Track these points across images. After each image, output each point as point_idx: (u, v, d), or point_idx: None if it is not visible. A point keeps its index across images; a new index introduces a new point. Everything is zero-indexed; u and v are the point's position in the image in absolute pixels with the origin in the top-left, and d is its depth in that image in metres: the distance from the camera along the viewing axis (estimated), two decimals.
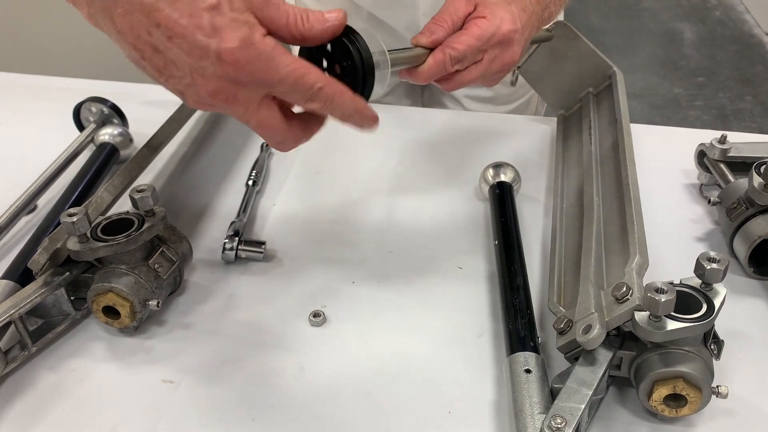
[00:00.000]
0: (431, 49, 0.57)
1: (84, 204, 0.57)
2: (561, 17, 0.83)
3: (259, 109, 0.44)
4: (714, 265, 0.48)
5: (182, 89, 0.43)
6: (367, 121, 0.48)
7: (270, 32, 0.43)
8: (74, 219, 0.52)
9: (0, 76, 1.00)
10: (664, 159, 0.80)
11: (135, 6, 0.40)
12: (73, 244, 0.53)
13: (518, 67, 0.82)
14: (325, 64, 0.49)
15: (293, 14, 0.43)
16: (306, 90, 0.43)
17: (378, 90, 0.50)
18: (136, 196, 0.55)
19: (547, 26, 0.76)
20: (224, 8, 0.40)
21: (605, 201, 0.62)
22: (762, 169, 0.61)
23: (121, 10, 0.40)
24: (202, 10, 0.40)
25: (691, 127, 2.38)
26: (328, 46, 0.48)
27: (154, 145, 0.66)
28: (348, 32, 0.47)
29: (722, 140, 0.71)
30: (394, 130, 0.86)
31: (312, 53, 0.48)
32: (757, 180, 0.61)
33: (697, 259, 0.49)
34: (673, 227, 0.70)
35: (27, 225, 0.70)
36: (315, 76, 0.43)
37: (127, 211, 0.57)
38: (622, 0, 3.38)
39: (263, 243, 0.64)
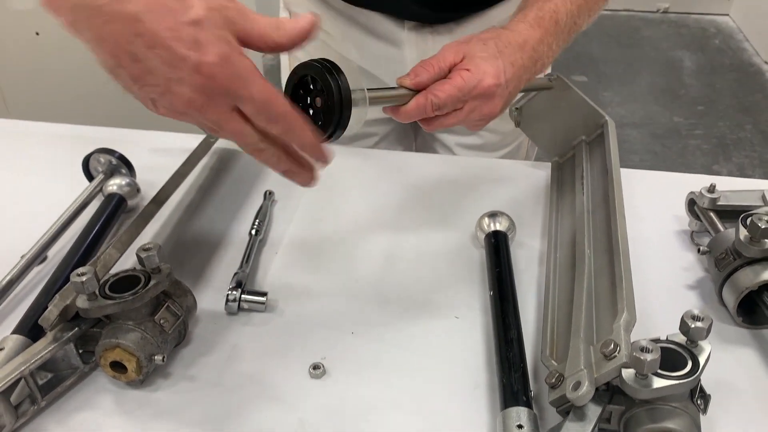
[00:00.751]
0: (414, 91, 0.60)
1: (92, 261, 0.59)
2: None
3: (230, 118, 0.46)
4: (698, 324, 0.50)
5: (155, 97, 0.46)
6: (320, 157, 0.52)
7: (248, 44, 0.46)
8: (83, 279, 0.54)
9: (13, 124, 1.03)
10: (656, 205, 0.82)
11: (117, 16, 0.42)
12: (82, 302, 0.55)
13: (517, 108, 0.84)
14: (309, 99, 0.53)
15: (266, 24, 0.47)
16: (271, 113, 0.47)
17: (354, 126, 0.54)
18: (143, 254, 0.57)
19: (548, 75, 0.79)
20: (206, 24, 0.43)
21: (596, 253, 0.64)
22: (748, 221, 0.63)
23: (103, 19, 0.43)
24: (183, 23, 0.42)
25: (692, 156, 2.42)
26: (311, 82, 0.52)
27: (160, 200, 0.68)
28: (332, 69, 0.51)
29: (711, 189, 0.74)
30: (392, 176, 0.88)
31: (297, 87, 0.53)
32: (743, 232, 0.63)
33: (682, 317, 0.51)
34: (665, 275, 0.72)
35: (37, 276, 0.72)
36: (282, 101, 0.47)
37: (134, 268, 0.59)
38: (622, 29, 3.43)
39: (265, 294, 0.66)
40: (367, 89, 0.56)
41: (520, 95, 0.79)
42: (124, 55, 0.43)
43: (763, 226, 0.61)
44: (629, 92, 2.87)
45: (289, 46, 0.48)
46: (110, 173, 0.83)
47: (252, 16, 0.47)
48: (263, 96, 0.45)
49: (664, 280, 0.71)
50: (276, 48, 0.48)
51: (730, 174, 2.36)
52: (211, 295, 0.69)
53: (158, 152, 0.93)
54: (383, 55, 0.86)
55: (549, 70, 0.86)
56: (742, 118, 2.69)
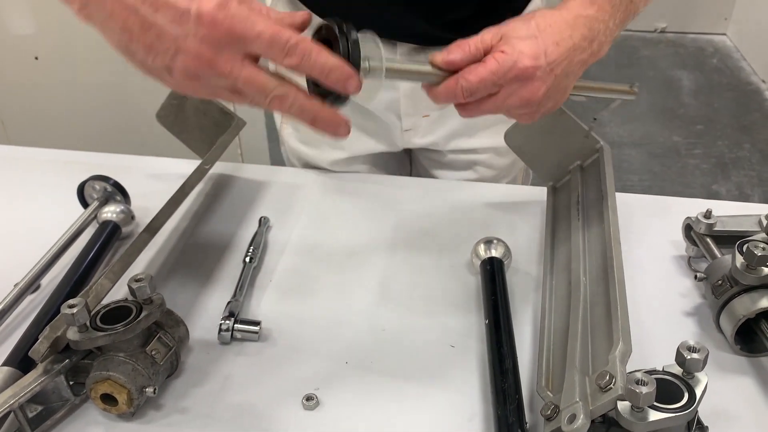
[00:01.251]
0: (444, 72, 0.57)
1: (84, 292, 0.59)
2: None
3: (242, 66, 0.46)
4: (694, 355, 0.49)
5: (168, 62, 0.46)
6: (348, 79, 0.49)
7: None
8: (74, 310, 0.53)
9: (9, 150, 1.03)
10: (653, 229, 0.81)
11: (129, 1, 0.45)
12: (72, 334, 0.55)
13: (594, 119, 0.82)
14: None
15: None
16: (282, 44, 0.46)
17: (366, 95, 0.53)
18: (134, 285, 0.57)
19: (631, 85, 0.76)
20: None
21: (592, 281, 0.64)
22: (744, 248, 0.63)
23: (114, 3, 0.45)
24: (178, 15, 0.44)
25: (691, 176, 2.42)
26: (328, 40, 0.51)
27: (154, 228, 0.68)
28: (347, 30, 0.50)
29: (707, 215, 0.73)
30: (387, 201, 0.88)
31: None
32: (740, 260, 0.62)
33: (678, 348, 0.50)
34: (662, 301, 0.71)
35: (30, 305, 0.72)
36: (291, 32, 0.46)
37: (126, 299, 0.59)
38: (620, 49, 3.44)
39: (258, 323, 0.66)
40: (388, 59, 0.53)
41: (599, 103, 0.76)
42: (134, 25, 0.45)
43: (759, 254, 0.61)
44: (628, 112, 2.87)
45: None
46: (105, 200, 0.83)
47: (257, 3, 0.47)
48: (270, 30, 0.45)
49: (661, 307, 0.71)
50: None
51: (729, 193, 2.36)
52: (204, 324, 0.68)
53: (153, 178, 0.93)
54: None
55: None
56: (741, 137, 2.69)
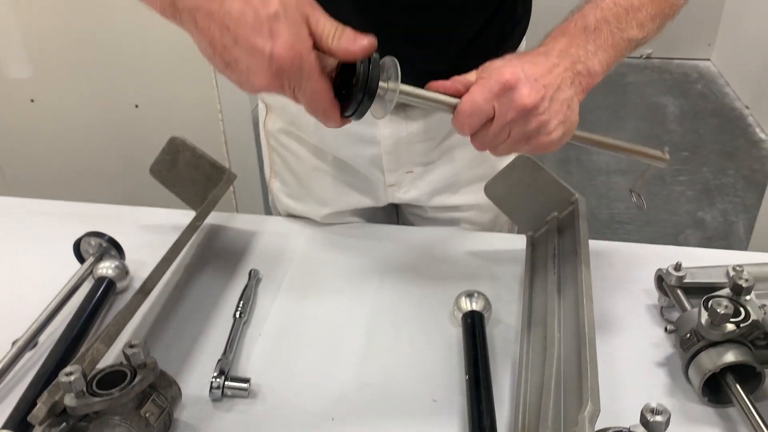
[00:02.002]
0: (449, 100, 0.61)
1: (79, 357, 0.61)
2: None
3: (300, 92, 0.55)
4: (657, 418, 0.52)
5: (242, 81, 0.54)
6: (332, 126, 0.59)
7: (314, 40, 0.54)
8: (71, 378, 0.56)
9: (6, 201, 1.06)
10: (628, 279, 0.85)
11: (212, 14, 0.52)
12: (70, 400, 0.57)
13: (630, 190, 0.85)
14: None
15: (329, 29, 0.54)
16: (316, 107, 0.56)
17: (377, 113, 0.59)
18: (129, 351, 0.59)
19: (662, 151, 0.80)
20: (282, 17, 0.51)
21: (566, 336, 0.67)
22: (709, 304, 0.66)
23: (201, 15, 0.52)
24: (263, 18, 0.51)
25: (677, 203, 2.46)
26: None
27: (147, 290, 0.71)
28: (371, 61, 0.56)
29: (677, 267, 0.77)
30: (373, 250, 0.91)
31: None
32: (705, 316, 0.66)
33: (642, 410, 0.53)
34: (635, 352, 0.74)
35: (28, 362, 0.74)
36: (324, 100, 0.56)
37: (121, 363, 0.61)
38: (607, 75, 3.50)
39: (248, 380, 0.69)
40: (402, 87, 0.58)
41: (636, 171, 0.80)
42: (218, 45, 0.52)
43: (721, 312, 0.64)
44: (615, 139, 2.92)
45: (340, 55, 0.55)
46: (100, 256, 0.86)
47: (318, 14, 0.54)
48: (314, 91, 0.55)
49: (634, 357, 0.74)
50: (328, 52, 0.55)
51: (714, 220, 2.40)
52: (196, 381, 0.71)
53: (147, 229, 0.96)
54: (357, 134, 0.87)
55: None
56: (726, 163, 2.74)
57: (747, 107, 3.16)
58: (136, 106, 1.63)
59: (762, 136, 2.92)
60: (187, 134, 1.69)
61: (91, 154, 1.72)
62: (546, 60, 0.62)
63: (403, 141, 0.84)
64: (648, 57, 3.75)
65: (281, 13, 0.52)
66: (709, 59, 3.69)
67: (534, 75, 0.60)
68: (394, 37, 0.68)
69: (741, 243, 2.24)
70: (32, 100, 1.66)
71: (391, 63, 0.58)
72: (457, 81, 0.61)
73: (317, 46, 0.54)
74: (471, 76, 0.62)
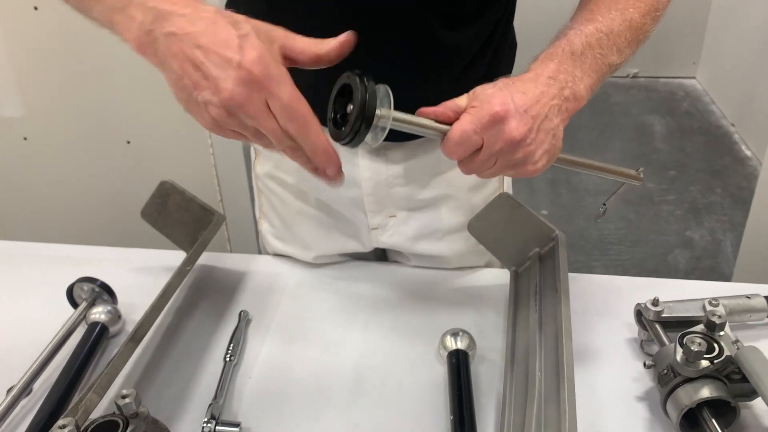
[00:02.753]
0: (440, 126, 0.62)
1: (72, 407, 0.63)
2: None
3: (267, 116, 0.55)
4: None
5: (209, 97, 0.55)
6: (326, 164, 0.59)
7: (292, 58, 0.57)
8: (65, 431, 0.58)
9: (1, 244, 1.08)
10: (608, 312, 0.87)
11: (186, 35, 0.55)
12: None
13: (604, 205, 0.87)
14: (347, 102, 0.60)
15: (308, 40, 0.58)
16: (292, 113, 0.55)
17: (371, 141, 0.60)
18: (121, 402, 0.61)
19: (636, 171, 0.81)
20: (251, 36, 0.55)
21: (546, 375, 0.69)
22: (684, 341, 0.68)
23: (176, 39, 0.55)
24: (233, 36, 0.54)
25: (665, 223, 2.49)
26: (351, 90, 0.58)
27: (138, 338, 0.73)
28: (367, 85, 0.57)
29: (655, 302, 0.79)
30: (362, 289, 0.93)
31: (342, 89, 0.60)
32: (680, 353, 0.68)
33: None
34: (615, 386, 0.76)
35: (23, 410, 0.76)
36: (304, 106, 0.55)
37: (114, 412, 0.63)
38: (594, 95, 3.54)
39: (238, 424, 0.70)
40: (395, 114, 0.60)
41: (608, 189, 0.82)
42: (187, 64, 0.54)
43: (695, 349, 0.66)
44: (602, 159, 2.86)
45: (327, 58, 0.58)
46: (93, 301, 0.88)
47: (295, 35, 0.58)
48: (290, 96, 0.55)
49: (614, 392, 0.76)
50: (316, 59, 0.58)
51: (702, 239, 2.43)
52: (188, 425, 0.73)
53: (139, 271, 0.98)
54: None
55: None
56: (713, 181, 2.78)
57: (732, 125, 3.20)
58: (128, 142, 1.66)
59: (748, 153, 2.96)
60: (178, 169, 1.72)
61: (84, 190, 1.74)
62: (535, 87, 0.64)
63: (383, 183, 0.86)
64: (635, 76, 3.80)
65: (252, 33, 0.55)
66: (694, 77, 3.75)
67: (524, 105, 0.62)
68: (389, 59, 0.71)
69: (729, 262, 2.27)
70: (25, 138, 1.68)
71: (384, 91, 0.60)
72: (447, 107, 0.63)
73: (300, 62, 0.58)
74: (461, 100, 0.64)
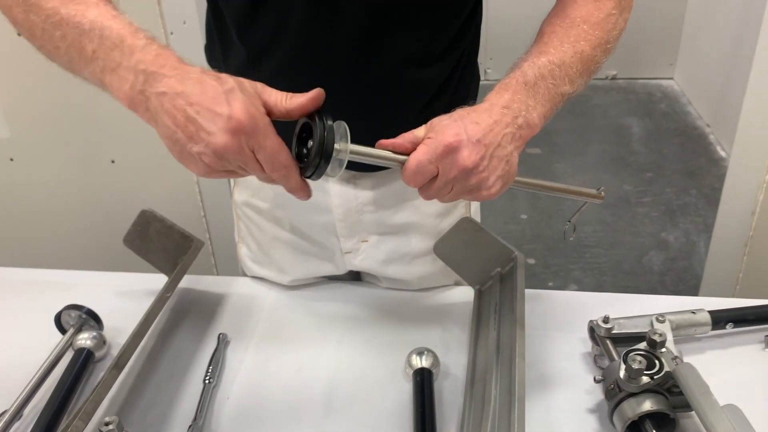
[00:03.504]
0: (397, 156, 0.68)
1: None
2: None
3: (254, 164, 0.62)
4: None
5: (202, 149, 0.60)
6: (302, 197, 0.67)
7: (267, 110, 0.62)
8: None
9: None
10: (565, 327, 0.93)
11: (177, 94, 0.60)
12: None
13: (569, 222, 0.90)
14: (308, 140, 0.66)
15: (279, 95, 0.64)
16: (275, 163, 0.62)
17: (331, 172, 0.66)
18: (104, 429, 0.66)
19: (597, 190, 0.85)
20: (236, 91, 0.60)
21: (501, 394, 0.74)
22: (627, 359, 0.74)
23: (167, 98, 0.60)
24: (221, 92, 0.60)
25: (641, 225, 2.56)
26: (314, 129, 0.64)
27: (121, 365, 0.78)
28: (325, 126, 0.64)
29: (606, 320, 0.85)
30: (335, 310, 0.98)
31: (303, 128, 0.67)
32: (623, 370, 0.73)
33: None
34: (569, 398, 0.82)
35: None
36: (285, 155, 0.63)
37: None
38: (573, 98, 3.61)
39: None
40: (352, 148, 0.66)
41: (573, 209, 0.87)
42: (180, 119, 0.60)
43: (636, 367, 0.72)
44: (581, 162, 3.02)
45: (296, 112, 0.64)
46: (80, 327, 0.92)
47: (269, 89, 0.64)
48: (273, 148, 0.62)
49: (568, 404, 0.81)
50: (286, 114, 0.64)
51: (677, 240, 2.49)
52: None
53: (123, 295, 1.03)
54: (310, 203, 0.92)
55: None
56: (688, 182, 2.84)
57: (708, 125, 3.27)
58: (113, 162, 1.70)
59: (723, 154, 3.03)
60: (163, 189, 1.76)
61: (70, 209, 1.78)
62: (489, 117, 0.68)
63: (354, 210, 0.91)
64: (613, 78, 3.86)
65: (236, 87, 0.60)
66: (672, 78, 3.82)
67: (476, 135, 0.66)
68: (356, 95, 0.77)
69: (702, 262, 2.33)
70: (11, 159, 1.72)
71: (342, 127, 0.65)
72: (405, 139, 0.68)
73: (273, 115, 0.63)
74: (420, 131, 0.69)
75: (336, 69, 0.79)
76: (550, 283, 2.33)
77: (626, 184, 2.85)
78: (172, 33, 1.53)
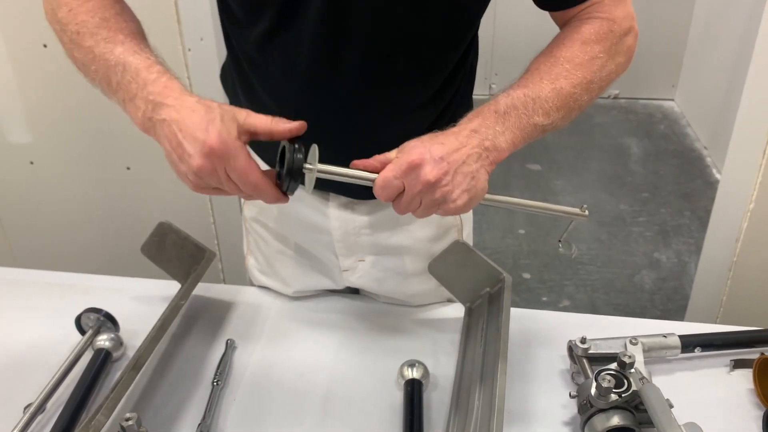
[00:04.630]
0: (367, 175, 0.75)
1: (83, 426, 0.76)
2: None
3: (229, 182, 0.73)
4: None
5: (185, 169, 0.72)
6: (278, 203, 0.77)
7: (255, 134, 0.73)
8: None
9: (14, 272, 1.20)
10: (547, 345, 1.00)
11: (173, 121, 0.71)
12: None
13: (559, 241, 0.96)
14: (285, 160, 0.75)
15: (266, 119, 0.74)
16: (245, 181, 0.73)
17: (306, 186, 0.76)
18: (125, 424, 0.74)
19: (581, 208, 0.91)
20: (217, 119, 0.71)
21: (483, 405, 0.82)
22: (598, 377, 0.81)
23: (167, 124, 0.72)
24: (204, 120, 0.70)
25: (635, 244, 2.63)
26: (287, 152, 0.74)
27: (139, 366, 0.85)
28: (295, 151, 0.74)
29: (583, 340, 0.92)
30: (335, 321, 1.06)
31: (282, 151, 0.75)
32: (594, 388, 0.81)
33: None
34: (547, 412, 0.89)
35: (38, 425, 0.88)
36: (254, 174, 0.73)
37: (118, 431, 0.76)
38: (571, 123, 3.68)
39: None
40: (320, 167, 0.75)
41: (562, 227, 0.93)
42: (174, 142, 0.71)
43: (605, 385, 0.79)
44: (580, 180, 3.10)
45: (279, 135, 0.75)
46: (98, 328, 1.00)
47: (255, 115, 0.74)
48: (242, 167, 0.72)
49: (545, 417, 0.89)
50: (270, 135, 0.74)
51: (669, 260, 2.57)
52: None
53: (139, 300, 1.11)
54: (311, 224, 1.01)
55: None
56: (683, 204, 2.92)
57: (705, 148, 3.35)
58: (128, 168, 1.78)
59: (718, 176, 3.10)
60: (175, 196, 1.84)
61: (87, 211, 1.86)
62: (455, 140, 0.75)
63: (351, 233, 0.99)
64: (616, 97, 3.94)
65: (217, 118, 0.71)
66: (673, 99, 3.89)
67: (439, 154, 0.73)
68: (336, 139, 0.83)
69: (692, 283, 2.40)
70: (32, 162, 1.80)
71: (313, 149, 0.75)
72: (376, 159, 0.76)
73: (258, 136, 0.74)
74: (392, 153, 0.76)
75: (338, 109, 0.87)
76: (544, 298, 2.41)
77: (622, 204, 2.92)
78: (189, 49, 1.61)
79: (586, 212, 0.91)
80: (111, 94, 0.77)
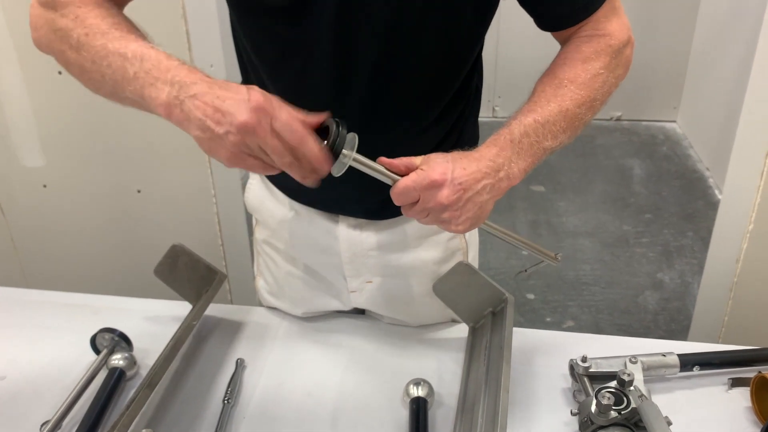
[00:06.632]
0: (392, 175, 0.78)
1: None
2: None
3: (273, 138, 0.69)
4: None
5: (227, 128, 0.68)
6: (319, 165, 0.73)
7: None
8: None
9: (28, 293, 1.23)
10: (549, 363, 1.02)
11: (207, 93, 0.69)
12: None
13: (525, 270, 1.02)
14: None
15: (297, 111, 0.72)
16: (291, 129, 0.70)
17: (340, 169, 0.75)
18: None
19: (555, 255, 0.96)
20: (255, 88, 0.70)
21: (486, 422, 0.84)
22: (598, 395, 0.84)
23: (198, 98, 0.69)
24: (243, 89, 0.69)
25: (638, 264, 2.65)
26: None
27: (153, 384, 0.88)
28: (340, 128, 0.74)
29: (584, 359, 0.95)
30: (342, 340, 1.09)
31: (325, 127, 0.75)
32: (594, 405, 0.83)
33: None
34: (549, 428, 0.92)
35: None
36: (298, 124, 0.70)
37: None
38: (578, 137, 3.70)
39: None
40: (356, 155, 0.76)
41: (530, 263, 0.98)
42: (209, 110, 0.69)
43: (605, 402, 0.82)
44: (583, 201, 3.13)
45: (310, 124, 0.73)
46: (112, 348, 1.03)
47: (286, 105, 0.72)
48: (288, 116, 0.70)
49: None
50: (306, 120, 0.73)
51: (672, 281, 2.59)
52: None
53: (152, 320, 1.14)
54: (321, 245, 1.04)
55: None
56: (685, 225, 2.94)
57: (708, 169, 3.38)
58: (138, 191, 1.82)
59: (720, 197, 3.12)
60: (183, 218, 1.88)
61: (99, 234, 1.90)
62: (476, 166, 0.78)
63: (359, 254, 1.02)
64: (618, 119, 3.98)
65: (255, 87, 0.71)
66: (675, 121, 3.93)
67: (459, 179, 0.77)
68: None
69: (695, 303, 2.42)
70: (45, 186, 1.84)
71: (352, 136, 0.76)
72: (402, 162, 0.79)
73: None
74: (417, 160, 0.79)
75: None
76: (548, 319, 2.42)
77: (626, 225, 2.95)
78: None
79: (560, 258, 0.96)
80: (125, 85, 0.74)
